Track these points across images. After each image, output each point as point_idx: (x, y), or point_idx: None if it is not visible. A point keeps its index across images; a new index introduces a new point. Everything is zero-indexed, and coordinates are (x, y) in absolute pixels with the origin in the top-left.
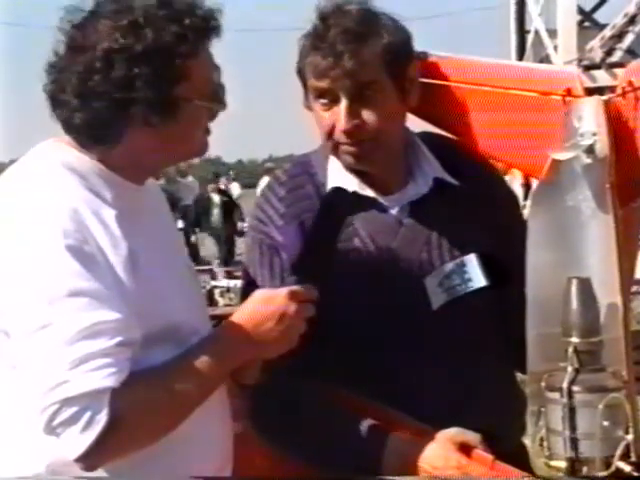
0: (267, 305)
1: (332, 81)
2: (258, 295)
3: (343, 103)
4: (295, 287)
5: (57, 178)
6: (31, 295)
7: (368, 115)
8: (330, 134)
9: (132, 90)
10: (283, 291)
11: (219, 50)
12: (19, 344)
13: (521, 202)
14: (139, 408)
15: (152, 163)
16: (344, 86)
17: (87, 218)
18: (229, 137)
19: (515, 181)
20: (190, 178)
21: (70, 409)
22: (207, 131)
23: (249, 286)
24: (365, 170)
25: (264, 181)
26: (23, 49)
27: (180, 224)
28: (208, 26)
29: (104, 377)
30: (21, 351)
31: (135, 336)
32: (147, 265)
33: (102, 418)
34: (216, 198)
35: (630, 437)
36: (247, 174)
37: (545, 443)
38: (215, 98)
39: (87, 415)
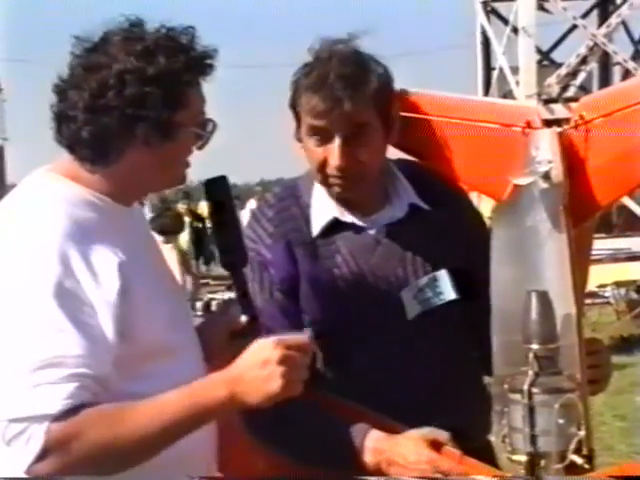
0: (254, 357)
1: (329, 122)
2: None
3: (337, 142)
4: (285, 336)
5: (48, 215)
6: (9, 329)
7: (359, 153)
8: (322, 167)
9: (142, 108)
10: (269, 340)
11: (227, 85)
12: None
13: None
14: (81, 441)
15: (143, 184)
16: (340, 127)
17: (74, 261)
18: (225, 162)
19: None
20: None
21: (14, 429)
22: (187, 164)
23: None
24: (349, 197)
25: (251, 203)
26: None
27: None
28: (206, 62)
29: (49, 404)
30: None
31: (100, 372)
32: (139, 289)
33: (38, 443)
34: None
35: (582, 433)
36: (242, 196)
37: (507, 439)
38: (205, 129)
39: (25, 437)
